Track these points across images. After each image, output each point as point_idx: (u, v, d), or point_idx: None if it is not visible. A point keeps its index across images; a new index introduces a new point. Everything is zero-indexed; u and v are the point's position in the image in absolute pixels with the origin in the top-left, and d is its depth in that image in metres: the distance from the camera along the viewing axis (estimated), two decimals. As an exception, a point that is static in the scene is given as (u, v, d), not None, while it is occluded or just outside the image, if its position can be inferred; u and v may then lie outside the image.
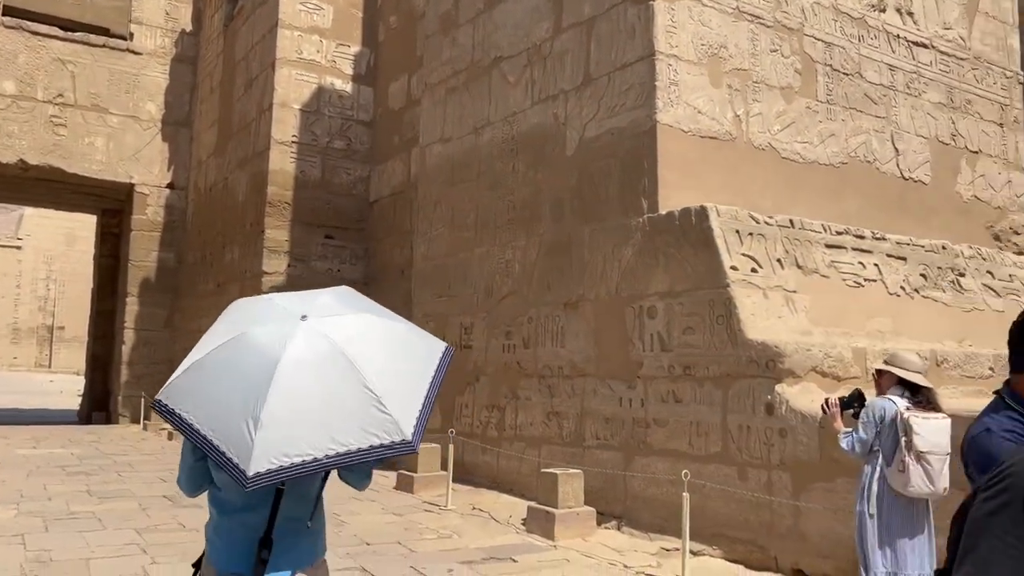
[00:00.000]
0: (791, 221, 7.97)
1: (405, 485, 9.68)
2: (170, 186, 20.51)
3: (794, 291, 7.56)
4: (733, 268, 7.34)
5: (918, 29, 10.22)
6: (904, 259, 8.54)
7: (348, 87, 16.41)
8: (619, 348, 8.27)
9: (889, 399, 4.66)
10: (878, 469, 4.57)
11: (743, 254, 7.52)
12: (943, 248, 8.99)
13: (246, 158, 16.82)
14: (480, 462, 10.01)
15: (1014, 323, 2.21)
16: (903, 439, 4.43)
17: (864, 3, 9.75)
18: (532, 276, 9.60)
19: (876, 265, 8.26)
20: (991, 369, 7.80)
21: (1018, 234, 10.74)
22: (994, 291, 9.15)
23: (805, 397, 6.54)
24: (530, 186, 9.79)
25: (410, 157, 14.64)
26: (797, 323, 7.35)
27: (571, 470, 7.78)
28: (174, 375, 2.38)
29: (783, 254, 7.73)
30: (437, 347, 2.56)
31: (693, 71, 8.39)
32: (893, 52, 9.97)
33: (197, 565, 2.58)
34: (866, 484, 4.63)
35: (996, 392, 2.24)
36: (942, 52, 10.42)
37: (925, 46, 10.26)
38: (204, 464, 2.45)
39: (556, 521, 7.33)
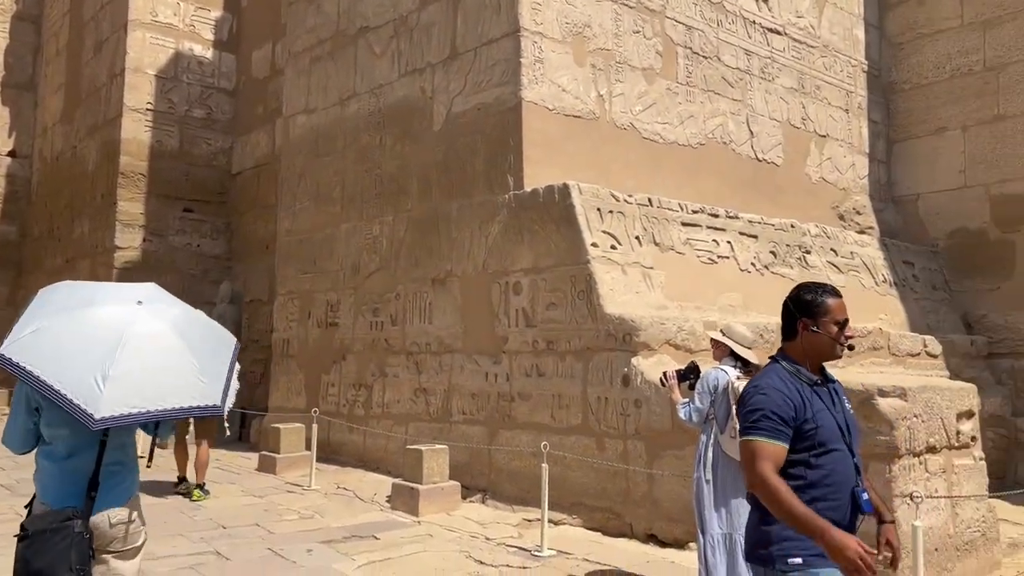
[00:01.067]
0: (650, 200, 8.19)
1: (267, 466, 9.43)
2: (11, 154, 19.02)
3: (651, 267, 7.79)
4: (594, 245, 7.49)
5: (772, 16, 10.67)
6: (755, 237, 8.95)
7: (209, 53, 15.65)
8: (486, 324, 8.31)
9: (721, 369, 4.88)
10: (713, 436, 4.78)
11: (604, 231, 7.68)
12: (792, 227, 9.48)
13: (96, 126, 15.78)
14: (347, 441, 9.87)
15: (784, 302, 2.67)
16: (735, 407, 4.58)
17: (722, -11, 10.08)
18: (400, 252, 9.49)
19: (729, 243, 8.62)
20: (831, 340, 8.30)
21: (860, 214, 11.46)
22: (837, 268, 9.74)
23: (659, 369, 6.73)
24: (397, 160, 9.65)
25: (275, 128, 14.14)
26: (653, 298, 7.59)
27: (437, 446, 7.78)
28: (15, 336, 2.88)
29: (642, 231, 7.95)
30: (230, 338, 3.33)
31: (558, 49, 8.46)
32: (749, 37, 10.37)
33: (29, 506, 3.08)
34: (702, 451, 4.85)
35: (771, 357, 2.78)
36: (794, 39, 10.92)
37: (779, 32, 10.72)
38: (36, 427, 3.01)
39: (420, 497, 7.32)
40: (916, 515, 4.48)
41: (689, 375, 5.11)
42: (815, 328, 2.70)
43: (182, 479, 8.39)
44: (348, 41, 10.57)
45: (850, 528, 2.61)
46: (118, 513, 3.04)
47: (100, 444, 2.98)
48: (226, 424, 3.34)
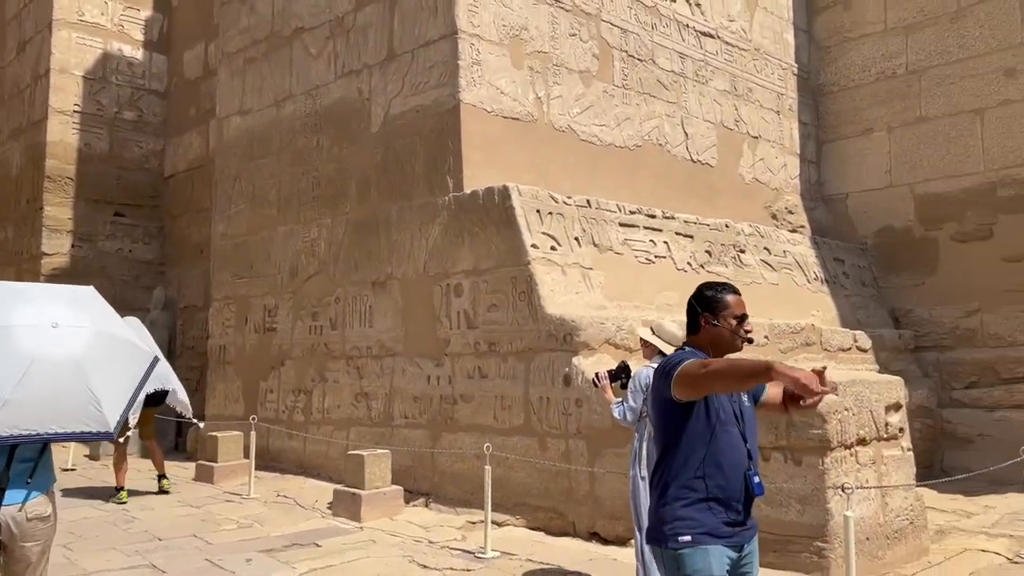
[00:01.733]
0: (588, 201, 8.27)
1: (204, 475, 9.23)
2: (-71, 158, 18.23)
3: (591, 268, 7.87)
4: (534, 246, 7.53)
5: (705, 20, 10.87)
6: (691, 237, 9.10)
7: (139, 54, 15.26)
8: (427, 326, 8.28)
9: (652, 367, 4.89)
10: (647, 434, 4.85)
11: (544, 232, 7.73)
12: (726, 226, 9.67)
13: (20, 128, 15.24)
14: (287, 448, 9.73)
15: (688, 300, 3.04)
16: None
17: (656, -7, 10.23)
18: (339, 255, 9.39)
19: (666, 242, 8.75)
20: (766, 337, 8.50)
21: (792, 213, 11.76)
22: (770, 266, 9.97)
23: (599, 368, 6.82)
24: (335, 162, 9.55)
25: (208, 130, 13.86)
26: (593, 298, 7.67)
27: (379, 450, 7.72)
28: None
29: (581, 232, 8.02)
30: (145, 355, 3.57)
31: (496, 51, 8.48)
32: (683, 40, 10.56)
33: None
34: (637, 448, 4.95)
35: (678, 349, 3.07)
36: (727, 43, 11.15)
37: (712, 36, 10.94)
38: None
39: (363, 502, 7.26)
40: (848, 506, 4.61)
41: (621, 375, 5.20)
42: (715, 322, 2.91)
43: (119, 488, 8.26)
44: (283, 42, 10.42)
45: (745, 510, 2.81)
46: (32, 506, 3.35)
47: (9, 449, 3.27)
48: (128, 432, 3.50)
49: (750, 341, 2.98)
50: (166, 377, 7.96)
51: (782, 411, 3.08)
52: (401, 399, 8.44)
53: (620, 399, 5.08)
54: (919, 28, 11.22)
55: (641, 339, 5.19)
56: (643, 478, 4.84)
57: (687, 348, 2.99)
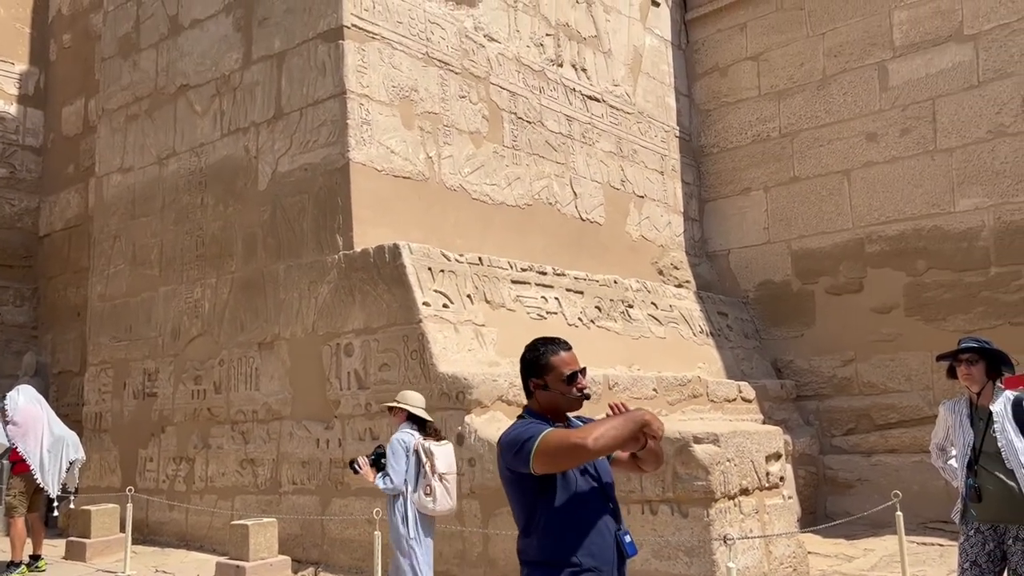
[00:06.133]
0: (480, 259, 8.33)
1: (76, 553, 8.62)
2: None
3: (483, 324, 7.89)
4: (426, 304, 7.51)
5: (591, 84, 11.27)
6: (581, 293, 9.27)
7: (12, 109, 14.59)
8: (316, 388, 8.09)
9: (408, 432, 5.42)
10: (408, 496, 5.32)
11: (435, 290, 7.72)
12: (615, 282, 9.91)
13: None
14: (167, 520, 9.22)
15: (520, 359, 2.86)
16: (426, 464, 5.29)
17: (543, 57, 10.57)
18: (224, 316, 9.11)
19: (557, 299, 8.88)
20: (654, 390, 8.69)
21: (677, 269, 12.15)
22: (658, 320, 10.24)
23: (492, 426, 6.81)
24: (220, 221, 9.32)
25: (87, 188, 13.31)
26: (486, 355, 7.67)
27: (265, 519, 7.42)
28: None
29: (473, 290, 8.05)
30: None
31: (385, 112, 8.53)
32: (570, 104, 10.90)
33: None
34: (403, 512, 5.34)
35: (518, 416, 2.84)
36: (612, 106, 11.57)
37: (597, 100, 11.33)
38: None
39: (247, 575, 6.93)
40: (731, 556, 4.70)
41: (380, 458, 5.48)
42: (544, 387, 2.75)
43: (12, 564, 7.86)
44: (167, 99, 10.19)
45: (618, 572, 2.71)
46: None
47: None
48: None
49: (587, 397, 2.79)
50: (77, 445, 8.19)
51: (633, 468, 2.87)
52: (289, 464, 8.17)
53: (383, 473, 5.38)
54: (790, 94, 11.95)
55: (388, 408, 5.64)
56: (414, 539, 5.32)
57: (525, 417, 2.77)
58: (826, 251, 11.45)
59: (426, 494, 5.25)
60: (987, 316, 9.98)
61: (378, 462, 5.43)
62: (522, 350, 2.87)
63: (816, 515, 10.18)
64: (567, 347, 2.80)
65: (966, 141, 10.39)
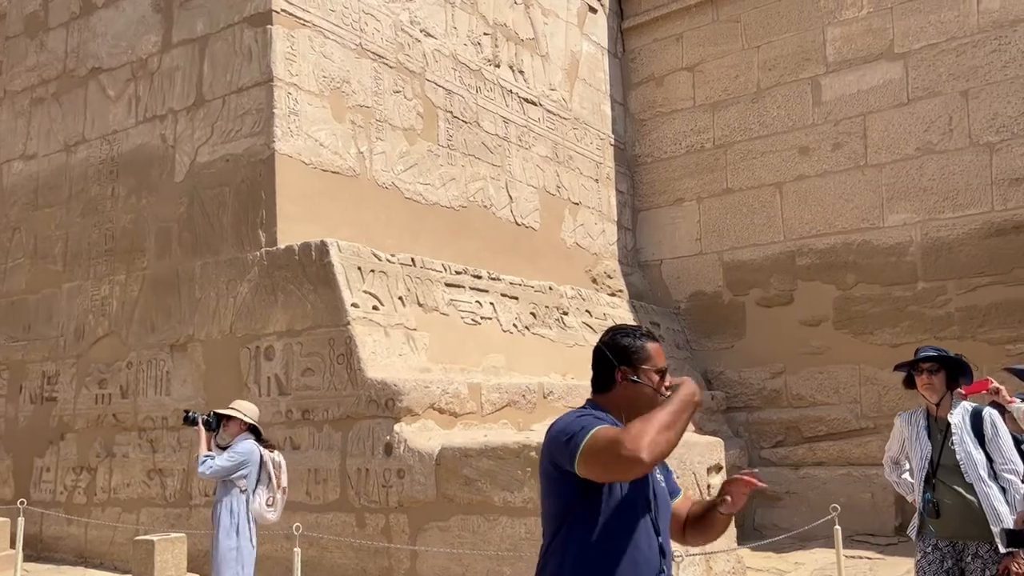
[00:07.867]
0: (413, 260, 7.97)
1: (-42, 573, 7.87)
2: None
3: (415, 329, 7.52)
4: (354, 305, 7.10)
5: (528, 87, 11.04)
6: (517, 298, 8.99)
7: (-96, 88, 13.51)
8: (233, 393, 7.52)
9: (247, 439, 5.38)
10: (244, 503, 5.28)
11: (365, 291, 7.32)
12: (550, 289, 9.66)
13: None
14: (65, 535, 8.52)
15: (596, 348, 2.35)
16: (274, 478, 5.34)
17: (481, 56, 10.28)
18: (133, 315, 8.49)
19: (492, 304, 8.57)
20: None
21: (611, 278, 12.01)
22: (592, 328, 10.04)
23: (423, 435, 6.45)
24: (132, 213, 8.70)
25: (-14, 176, 12.38)
26: (417, 361, 7.30)
27: (173, 535, 6.87)
28: None
29: (405, 292, 7.68)
30: None
31: (315, 103, 8.10)
32: (507, 106, 10.64)
33: None
34: (239, 520, 5.24)
35: (581, 408, 2.37)
36: (548, 110, 11.37)
37: (534, 103, 11.11)
38: None
39: (151, 596, 6.38)
40: (675, 573, 4.46)
41: (217, 426, 5.43)
42: (635, 378, 2.28)
43: None
44: (77, 83, 9.51)
45: None
46: None
47: None
48: None
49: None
50: None
51: (676, 533, 2.38)
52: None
53: (211, 453, 5.29)
54: (725, 106, 11.96)
55: (226, 417, 5.47)
56: (253, 545, 5.27)
57: (588, 406, 2.32)
58: (757, 263, 11.46)
59: (268, 505, 5.34)
60: (913, 330, 10.11)
61: (209, 424, 5.39)
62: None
63: (744, 527, 10.10)
64: (656, 339, 2.38)
65: (895, 157, 10.55)
